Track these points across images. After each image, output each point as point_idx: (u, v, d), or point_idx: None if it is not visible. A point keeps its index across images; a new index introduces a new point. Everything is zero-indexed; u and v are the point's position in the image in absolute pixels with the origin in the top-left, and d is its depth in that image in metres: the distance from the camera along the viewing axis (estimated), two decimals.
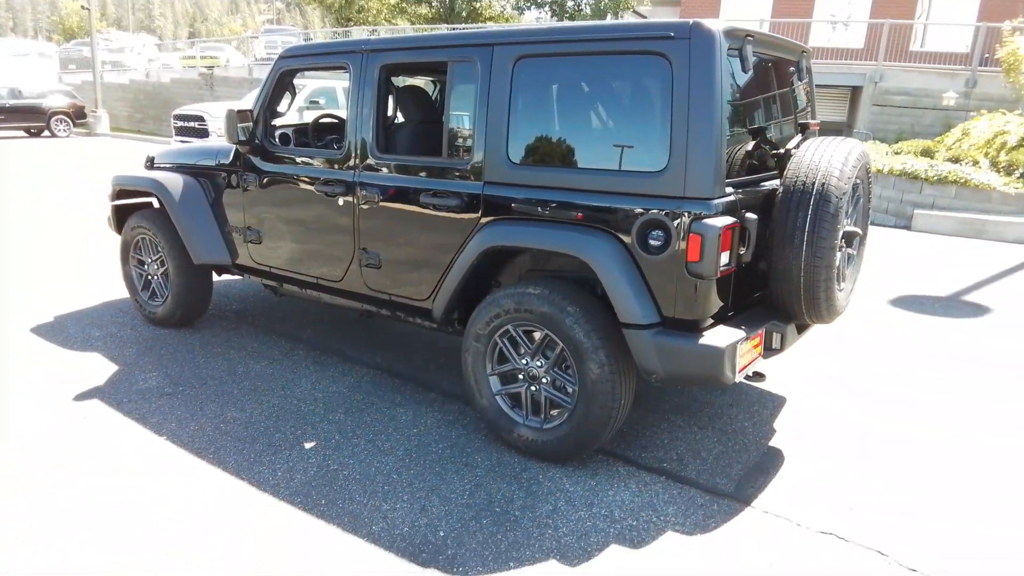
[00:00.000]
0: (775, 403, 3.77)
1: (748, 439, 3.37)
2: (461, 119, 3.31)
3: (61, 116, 21.09)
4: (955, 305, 5.88)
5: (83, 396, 3.64)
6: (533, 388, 3.07)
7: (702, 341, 2.65)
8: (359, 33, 25.82)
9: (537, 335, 3.00)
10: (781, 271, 2.85)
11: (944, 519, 2.75)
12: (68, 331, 4.59)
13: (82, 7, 28.72)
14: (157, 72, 27.34)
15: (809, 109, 3.70)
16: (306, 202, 3.87)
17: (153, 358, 4.18)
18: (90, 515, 2.63)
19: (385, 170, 3.49)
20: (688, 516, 2.72)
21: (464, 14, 28.28)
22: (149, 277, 4.72)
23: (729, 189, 2.71)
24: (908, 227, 10.16)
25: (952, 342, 4.91)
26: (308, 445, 3.20)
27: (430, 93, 4.50)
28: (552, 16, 27.32)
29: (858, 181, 3.06)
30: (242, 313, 5.12)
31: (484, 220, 3.12)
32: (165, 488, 2.83)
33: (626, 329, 2.74)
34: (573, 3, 26.30)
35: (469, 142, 3.20)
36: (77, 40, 38.74)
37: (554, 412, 3.05)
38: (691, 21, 2.61)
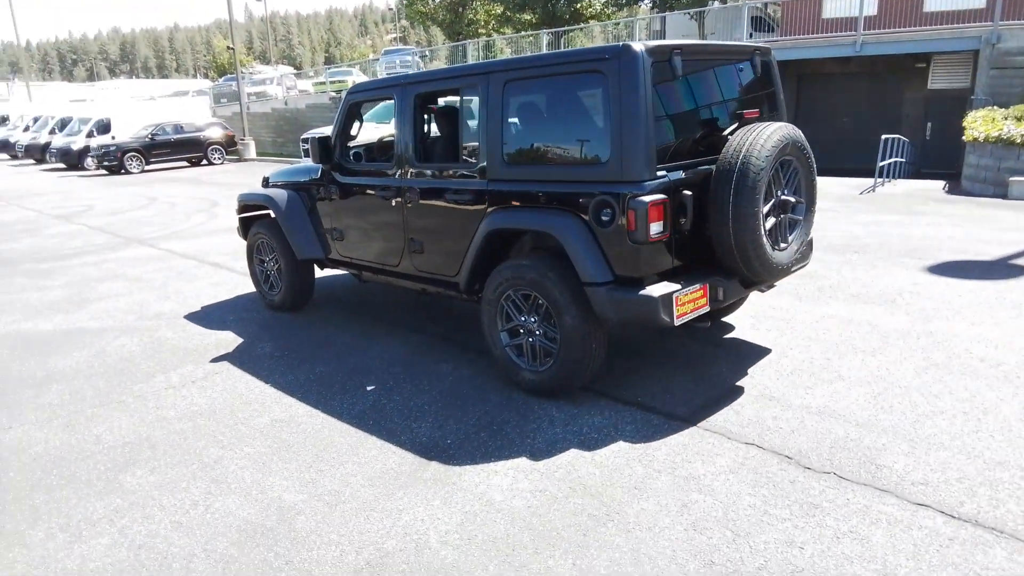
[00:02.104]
0: (758, 354, 4.36)
1: (718, 380, 4.01)
2: (471, 131, 4.20)
3: (216, 146, 24.20)
4: (997, 268, 6.01)
5: (218, 359, 4.90)
6: (531, 339, 3.91)
7: (642, 292, 3.38)
8: (472, 47, 27.34)
9: (530, 297, 3.83)
10: (716, 235, 3.51)
11: (854, 441, 3.30)
12: (211, 317, 5.96)
13: (228, 47, 32.37)
14: (295, 99, 30.37)
15: (776, 99, 4.25)
16: (371, 205, 4.93)
17: (269, 333, 5.42)
18: (220, 430, 3.79)
19: (422, 175, 4.46)
20: (640, 431, 3.46)
21: (566, 16, 29.11)
22: (268, 273, 6.00)
23: (662, 172, 3.42)
24: (1005, 196, 9.84)
25: (962, 302, 5.17)
26: (369, 388, 4.23)
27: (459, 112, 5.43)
28: (654, 8, 27.52)
29: (789, 158, 3.65)
30: (338, 299, 6.31)
31: (489, 210, 4.00)
32: (269, 412, 3.94)
33: (586, 287, 3.52)
34: None
35: (477, 149, 4.09)
36: (227, 76, 43.53)
37: (547, 358, 3.87)
38: (622, 44, 3.35)
